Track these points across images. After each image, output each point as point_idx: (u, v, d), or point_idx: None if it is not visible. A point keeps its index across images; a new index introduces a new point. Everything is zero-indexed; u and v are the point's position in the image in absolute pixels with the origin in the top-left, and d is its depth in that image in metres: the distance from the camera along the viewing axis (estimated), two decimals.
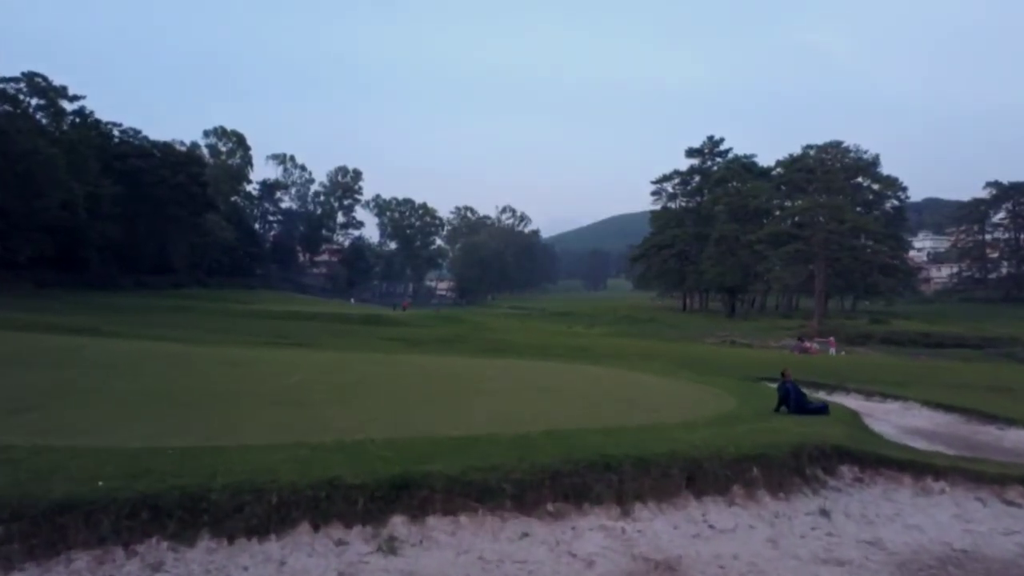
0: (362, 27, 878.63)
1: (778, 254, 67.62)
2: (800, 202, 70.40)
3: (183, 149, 78.04)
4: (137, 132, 70.96)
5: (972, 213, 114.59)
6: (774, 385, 17.67)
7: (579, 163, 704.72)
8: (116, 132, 68.73)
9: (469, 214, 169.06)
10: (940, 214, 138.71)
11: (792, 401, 10.39)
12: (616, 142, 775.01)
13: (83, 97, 66.34)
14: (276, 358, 15.10)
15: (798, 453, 7.62)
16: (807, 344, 32.07)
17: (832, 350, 31.74)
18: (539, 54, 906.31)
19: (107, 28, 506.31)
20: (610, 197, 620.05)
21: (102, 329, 19.71)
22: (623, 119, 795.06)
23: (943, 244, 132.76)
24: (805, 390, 16.84)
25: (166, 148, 67.72)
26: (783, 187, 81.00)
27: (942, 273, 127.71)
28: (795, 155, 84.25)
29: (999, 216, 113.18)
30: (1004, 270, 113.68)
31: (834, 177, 67.59)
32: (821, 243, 63.95)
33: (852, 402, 14.65)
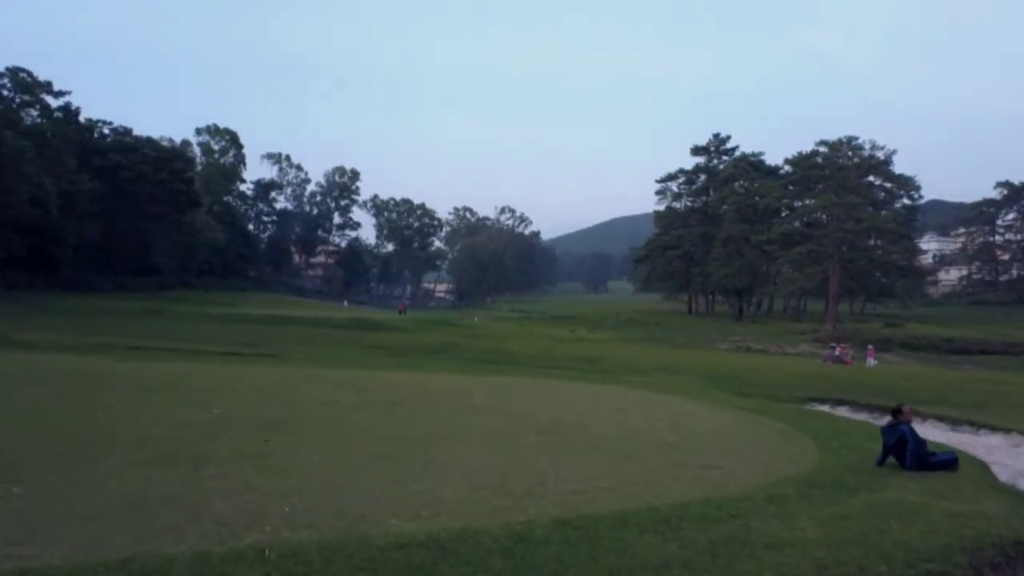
0: (360, 26, 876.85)
1: (789, 255, 64.55)
2: (812, 201, 67.30)
3: (167, 145, 74.74)
4: (128, 130, 67.84)
5: (982, 214, 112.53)
6: (825, 407, 14.67)
7: (579, 165, 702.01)
8: (97, 127, 65.74)
9: (468, 215, 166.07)
10: (944, 216, 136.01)
11: (911, 452, 7.26)
12: (617, 144, 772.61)
13: (68, 93, 63.70)
14: (213, 377, 12.05)
15: (978, 564, 4.60)
16: (840, 352, 28.78)
17: (871, 360, 28.31)
18: (540, 55, 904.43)
19: (100, 26, 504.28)
20: (610, 199, 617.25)
21: (13, 339, 16.65)
22: (624, 121, 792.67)
23: (948, 246, 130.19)
24: (864, 416, 13.82)
25: (149, 143, 64.57)
26: (791, 186, 78.08)
27: (950, 276, 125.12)
28: (804, 153, 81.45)
29: (1010, 217, 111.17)
30: (1015, 272, 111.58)
31: (848, 175, 64.47)
32: (835, 243, 60.87)
33: (937, 434, 11.59)
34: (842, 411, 14.15)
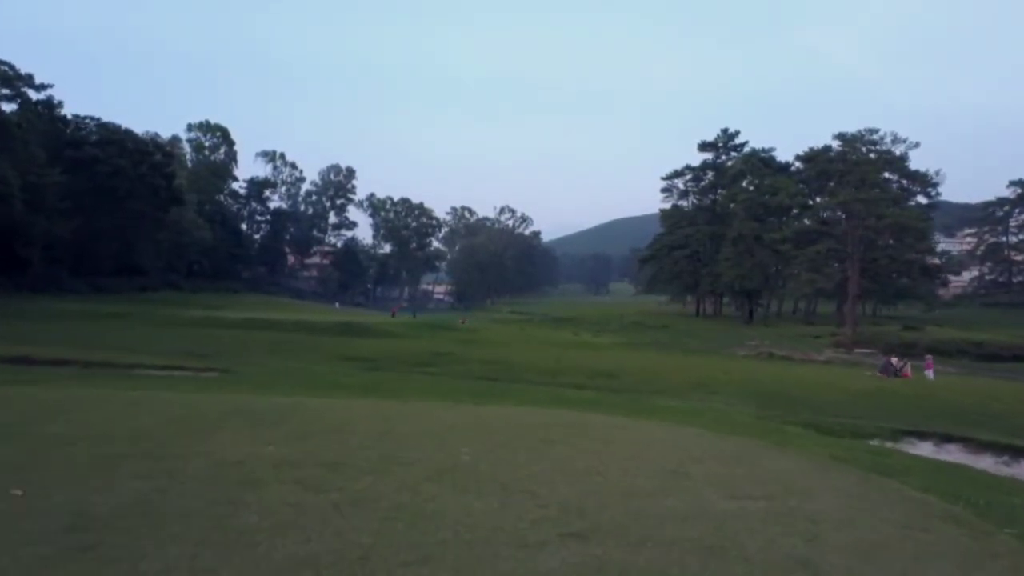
0: (359, 24, 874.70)
1: (805, 254, 60.93)
2: (830, 197, 63.62)
3: (148, 138, 70.95)
4: (117, 126, 64.09)
5: (993, 214, 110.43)
6: (929, 446, 11.09)
7: (580, 166, 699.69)
8: (83, 122, 62.08)
9: (467, 214, 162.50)
10: (949, 216, 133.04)
11: None
12: (617, 145, 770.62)
13: (50, 86, 60.73)
14: (90, 414, 8.47)
15: None
16: (897, 363, 25.01)
17: (929, 373, 24.54)
18: (539, 55, 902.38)
19: (92, 27, 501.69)
20: (611, 200, 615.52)
21: None
22: (625, 122, 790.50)
23: (954, 247, 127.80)
24: (990, 461, 10.28)
25: (129, 135, 60.75)
26: (801, 184, 74.72)
27: (960, 277, 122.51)
28: (815, 148, 78.36)
29: None
30: None
31: (869, 169, 60.80)
32: (855, 242, 57.20)
33: None
34: (955, 452, 10.57)
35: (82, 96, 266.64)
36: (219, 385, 12.56)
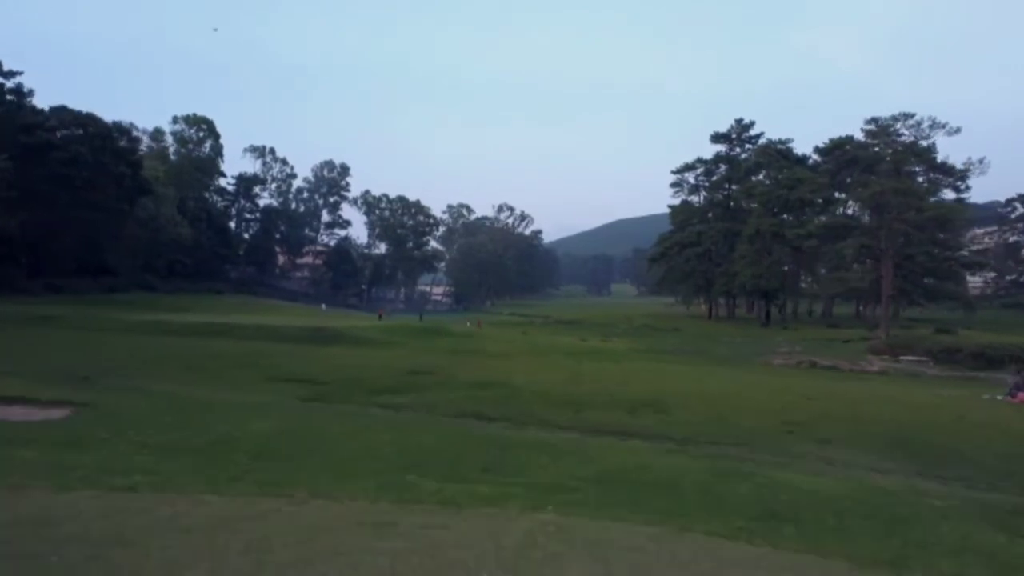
0: (357, 23, 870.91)
1: (837, 249, 55.39)
2: (862, 188, 58.06)
3: (113, 123, 64.94)
4: (78, 111, 58.54)
5: (1011, 212, 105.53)
6: None
7: (581, 167, 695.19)
8: (30, 106, 56.63)
9: (465, 212, 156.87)
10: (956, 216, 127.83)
11: None
12: (619, 145, 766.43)
13: (20, 73, 55.82)
14: None
15: None
16: None
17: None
18: (540, 55, 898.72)
19: (88, 23, 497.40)
20: (613, 201, 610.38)
21: None
22: (626, 122, 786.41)
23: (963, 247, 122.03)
24: None
25: (88, 119, 54.83)
26: (822, 175, 69.49)
27: (975, 277, 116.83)
28: (835, 139, 73.30)
29: None
30: None
31: (906, 156, 55.25)
32: (891, 237, 51.68)
33: None
34: None
35: (77, 94, 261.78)
36: (11, 447, 7.10)
